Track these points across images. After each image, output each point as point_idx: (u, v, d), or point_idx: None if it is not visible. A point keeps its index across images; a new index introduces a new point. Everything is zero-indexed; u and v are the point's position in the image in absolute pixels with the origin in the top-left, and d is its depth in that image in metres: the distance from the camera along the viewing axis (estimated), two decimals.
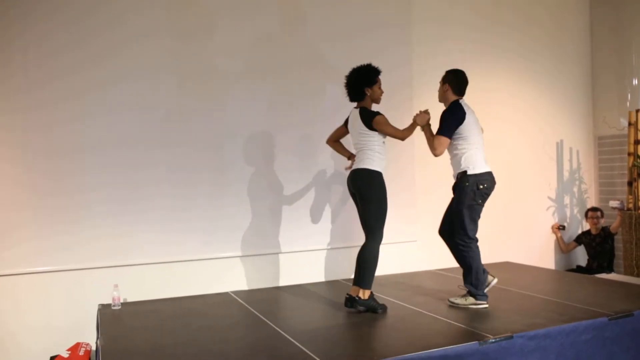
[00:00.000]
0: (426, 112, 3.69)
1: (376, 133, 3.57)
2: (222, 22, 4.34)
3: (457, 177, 3.67)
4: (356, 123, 3.63)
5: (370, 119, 3.54)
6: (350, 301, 3.51)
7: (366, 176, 3.56)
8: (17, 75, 3.76)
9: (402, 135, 3.62)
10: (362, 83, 3.61)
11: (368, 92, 3.62)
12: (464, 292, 3.73)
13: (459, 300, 3.68)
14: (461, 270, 3.74)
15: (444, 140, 3.55)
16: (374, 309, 3.51)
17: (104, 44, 3.97)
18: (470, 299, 3.66)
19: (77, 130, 3.91)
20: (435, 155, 3.60)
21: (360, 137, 3.61)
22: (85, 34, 3.92)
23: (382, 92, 3.69)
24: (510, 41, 5.72)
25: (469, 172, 3.57)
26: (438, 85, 3.76)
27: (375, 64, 3.67)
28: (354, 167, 3.65)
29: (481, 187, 3.57)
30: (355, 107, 3.70)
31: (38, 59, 3.80)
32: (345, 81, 3.68)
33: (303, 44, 4.64)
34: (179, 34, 4.20)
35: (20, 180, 3.77)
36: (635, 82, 5.87)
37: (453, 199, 3.72)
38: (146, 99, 4.10)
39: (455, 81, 3.68)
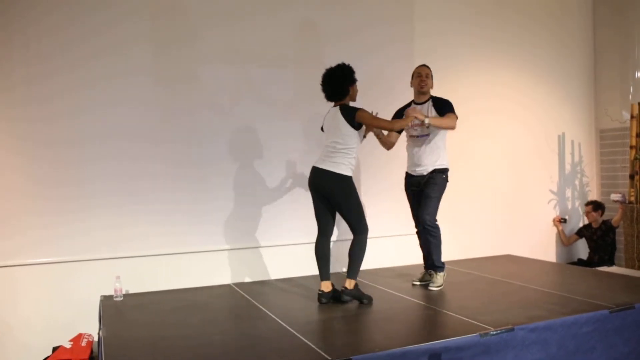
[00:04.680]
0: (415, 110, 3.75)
1: (356, 134, 3.50)
2: (224, 20, 4.34)
3: (434, 171, 3.86)
4: (335, 121, 3.51)
5: (353, 115, 3.46)
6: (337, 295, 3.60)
7: (342, 183, 3.49)
8: (18, 70, 3.79)
9: (392, 125, 3.60)
10: (347, 81, 3.55)
11: (351, 89, 3.57)
12: (431, 277, 3.97)
13: (436, 283, 3.90)
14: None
15: (455, 116, 3.82)
16: (359, 298, 3.56)
17: (103, 41, 3.98)
18: (440, 275, 3.93)
19: (79, 121, 3.93)
20: (454, 129, 3.83)
21: (339, 137, 3.48)
22: (84, 32, 3.93)
23: (357, 90, 3.65)
24: (512, 35, 5.70)
25: (446, 168, 3.90)
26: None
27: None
28: (323, 166, 3.52)
29: (448, 180, 3.93)
30: (334, 106, 3.60)
31: (38, 55, 3.83)
32: (323, 81, 3.57)
33: (303, 41, 4.63)
34: (177, 34, 4.21)
35: (21, 169, 3.79)
36: (638, 74, 5.85)
37: (427, 190, 3.86)
38: (147, 94, 4.12)
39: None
